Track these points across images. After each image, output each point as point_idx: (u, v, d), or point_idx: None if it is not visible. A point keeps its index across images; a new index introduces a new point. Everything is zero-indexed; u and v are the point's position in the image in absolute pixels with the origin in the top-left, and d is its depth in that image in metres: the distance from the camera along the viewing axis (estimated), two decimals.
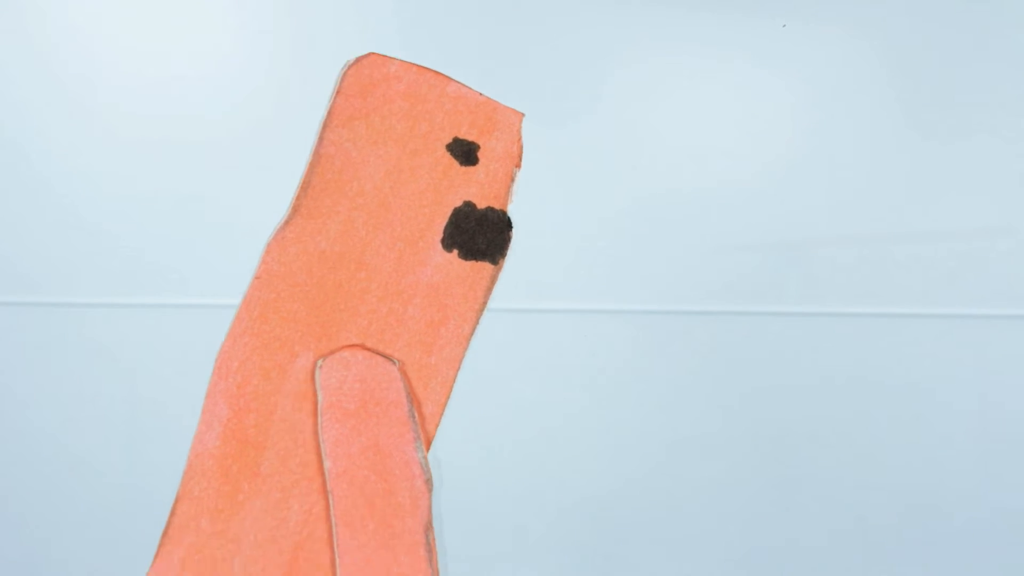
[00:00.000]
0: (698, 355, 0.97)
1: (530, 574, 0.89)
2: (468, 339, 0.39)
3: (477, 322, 0.38)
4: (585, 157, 0.94)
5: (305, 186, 0.37)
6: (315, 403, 0.37)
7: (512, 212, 0.45)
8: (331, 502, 0.36)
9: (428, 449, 0.39)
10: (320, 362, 0.37)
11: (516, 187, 0.37)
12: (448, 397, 0.37)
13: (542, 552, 0.89)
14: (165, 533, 0.38)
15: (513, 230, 0.37)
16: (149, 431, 0.81)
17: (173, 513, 0.38)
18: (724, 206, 0.95)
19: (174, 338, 0.80)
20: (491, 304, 0.98)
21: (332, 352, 0.37)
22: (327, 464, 0.36)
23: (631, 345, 0.96)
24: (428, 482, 0.39)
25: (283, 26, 0.81)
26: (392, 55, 0.81)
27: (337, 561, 0.36)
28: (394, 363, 0.38)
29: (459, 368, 0.37)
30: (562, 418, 0.93)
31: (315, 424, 0.37)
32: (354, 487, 0.36)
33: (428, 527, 0.38)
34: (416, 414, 0.39)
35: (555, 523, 0.91)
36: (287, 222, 0.37)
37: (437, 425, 0.40)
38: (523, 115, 0.39)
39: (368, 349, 0.38)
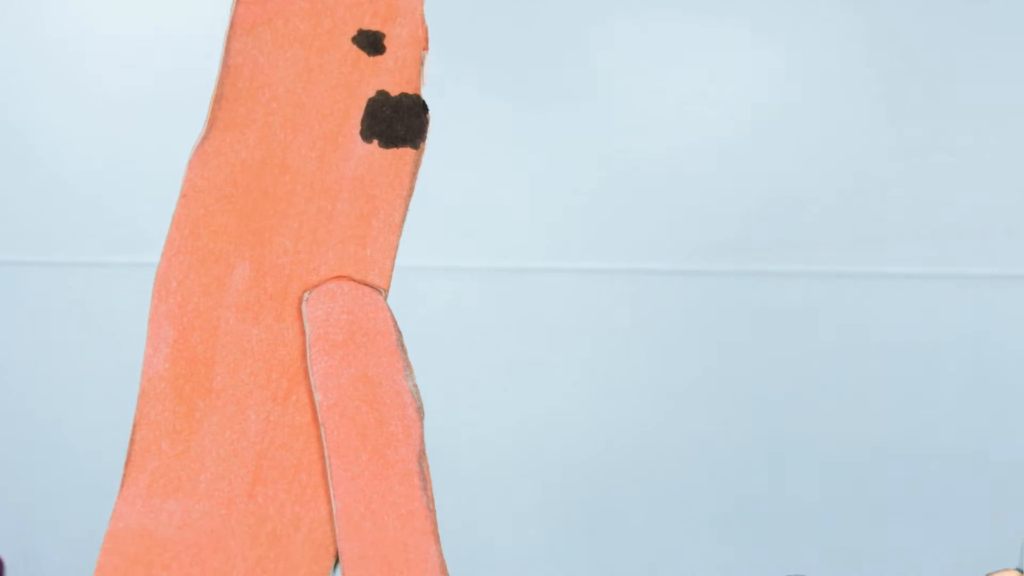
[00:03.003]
0: (690, 314, 0.95)
1: (526, 531, 0.88)
2: (400, 227, 0.39)
3: (407, 209, 0.39)
4: (577, 120, 0.94)
5: (218, 98, 0.38)
6: (257, 313, 0.38)
7: (448, 132, 0.45)
8: (323, 434, 0.36)
9: None
10: (306, 295, 0.38)
11: (426, 70, 0.38)
12: (388, 290, 0.37)
13: (536, 513, 0.87)
14: (128, 461, 0.39)
15: (430, 112, 0.38)
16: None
17: (133, 440, 0.39)
18: (718, 166, 0.95)
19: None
20: (481, 264, 0.97)
21: (318, 284, 0.38)
22: (318, 397, 0.37)
23: (624, 305, 0.95)
24: (420, 410, 0.39)
25: None
26: None
27: (331, 492, 0.37)
28: (380, 292, 0.39)
29: (395, 258, 0.37)
30: (553, 377, 0.92)
31: (260, 334, 0.38)
32: (346, 419, 0.37)
33: (421, 455, 0.39)
34: (403, 342, 0.39)
35: (548, 482, 0.89)
36: (205, 137, 0.38)
37: None
38: None
39: (354, 280, 0.39)
